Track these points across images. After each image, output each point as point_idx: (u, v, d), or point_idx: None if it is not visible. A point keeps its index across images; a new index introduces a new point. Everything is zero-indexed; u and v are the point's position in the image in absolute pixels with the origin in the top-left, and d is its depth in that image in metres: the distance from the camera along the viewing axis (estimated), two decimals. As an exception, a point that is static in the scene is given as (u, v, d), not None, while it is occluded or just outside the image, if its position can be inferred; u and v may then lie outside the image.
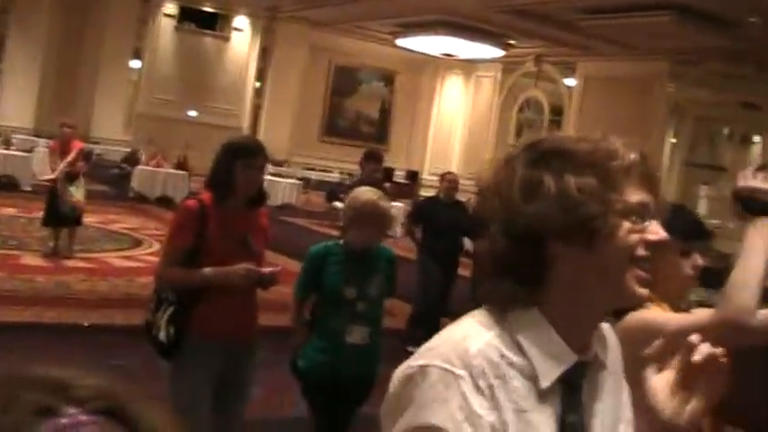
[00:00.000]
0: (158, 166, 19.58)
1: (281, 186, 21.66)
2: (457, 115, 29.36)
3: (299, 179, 23.78)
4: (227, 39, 27.37)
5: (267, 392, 6.08)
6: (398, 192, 18.86)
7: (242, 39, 27.51)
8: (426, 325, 7.81)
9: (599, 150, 1.48)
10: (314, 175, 25.54)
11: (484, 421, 1.36)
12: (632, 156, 1.49)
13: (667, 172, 16.02)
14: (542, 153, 1.48)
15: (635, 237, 1.46)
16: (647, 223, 1.49)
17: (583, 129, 15.59)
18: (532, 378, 1.43)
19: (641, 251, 1.47)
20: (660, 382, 1.50)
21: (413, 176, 27.21)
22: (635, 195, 1.48)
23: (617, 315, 2.34)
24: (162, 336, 4.03)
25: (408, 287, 8.01)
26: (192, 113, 26.19)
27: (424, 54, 26.97)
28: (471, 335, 1.44)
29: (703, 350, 1.46)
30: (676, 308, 2.61)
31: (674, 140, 18.65)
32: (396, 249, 5.08)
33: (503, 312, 1.48)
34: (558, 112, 24.85)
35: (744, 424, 2.14)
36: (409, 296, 8.67)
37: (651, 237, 1.48)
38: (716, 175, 19.98)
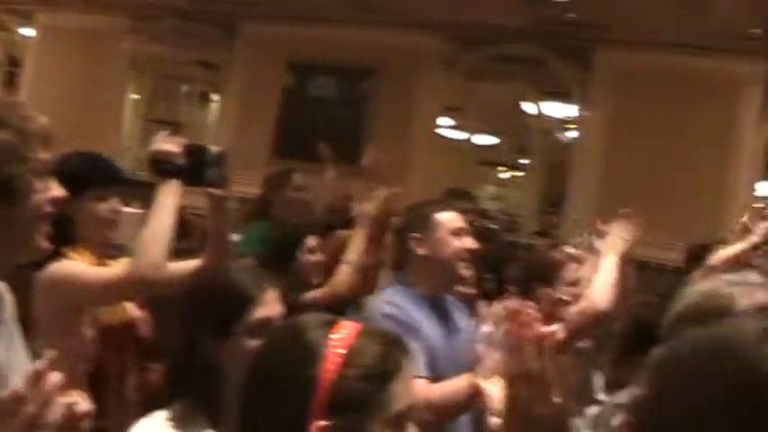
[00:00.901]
0: None
1: None
2: None
3: None
4: None
5: None
6: None
7: None
8: None
9: (15, 112, 1.49)
10: None
11: None
12: (43, 120, 1.53)
13: (129, 127, 16.10)
14: None
15: (44, 195, 1.52)
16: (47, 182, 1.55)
17: (41, 81, 15.06)
18: None
19: (48, 208, 1.53)
20: None
21: None
22: (44, 155, 1.52)
23: (34, 267, 2.35)
24: None
25: None
26: None
27: None
28: None
29: None
30: (101, 252, 2.69)
31: (135, 96, 18.78)
32: None
33: None
34: (16, 63, 23.74)
35: (163, 359, 2.27)
36: None
37: (55, 194, 1.54)
38: (175, 131, 20.49)
